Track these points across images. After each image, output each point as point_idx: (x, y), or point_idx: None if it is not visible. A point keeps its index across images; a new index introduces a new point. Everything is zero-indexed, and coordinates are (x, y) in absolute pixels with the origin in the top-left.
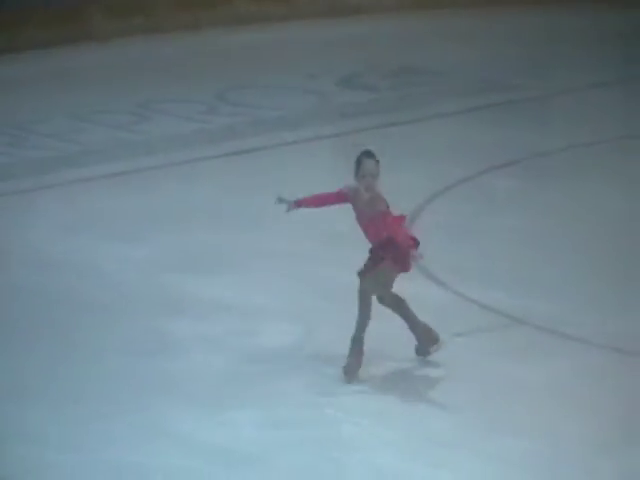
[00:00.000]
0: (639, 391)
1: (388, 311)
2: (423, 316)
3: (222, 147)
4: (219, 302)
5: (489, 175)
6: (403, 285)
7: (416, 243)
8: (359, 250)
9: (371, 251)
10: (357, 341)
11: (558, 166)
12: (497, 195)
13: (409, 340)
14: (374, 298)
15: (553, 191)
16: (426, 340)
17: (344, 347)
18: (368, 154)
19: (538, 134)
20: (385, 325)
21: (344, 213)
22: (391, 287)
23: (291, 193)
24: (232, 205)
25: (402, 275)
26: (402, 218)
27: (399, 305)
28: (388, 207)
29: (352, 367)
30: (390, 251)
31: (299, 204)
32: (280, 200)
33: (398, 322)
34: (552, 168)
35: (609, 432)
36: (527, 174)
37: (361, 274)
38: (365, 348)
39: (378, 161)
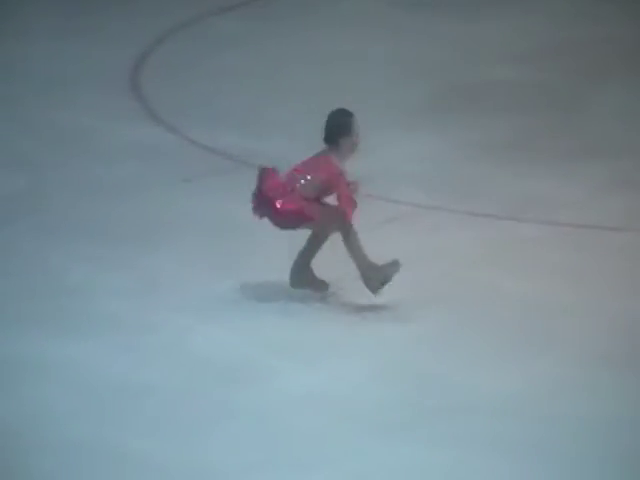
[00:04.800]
0: None
1: None
2: (156, 161)
3: None
4: None
5: (214, 17)
6: (133, 131)
7: None
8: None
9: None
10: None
11: (285, 8)
12: (222, 36)
13: None
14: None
15: (280, 33)
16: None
17: (75, 195)
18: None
19: None
20: None
21: None
22: None
23: None
24: None
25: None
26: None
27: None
28: None
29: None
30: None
31: None
32: None
33: None
34: (278, 10)
35: None
36: (253, 15)
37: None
38: None
39: None
